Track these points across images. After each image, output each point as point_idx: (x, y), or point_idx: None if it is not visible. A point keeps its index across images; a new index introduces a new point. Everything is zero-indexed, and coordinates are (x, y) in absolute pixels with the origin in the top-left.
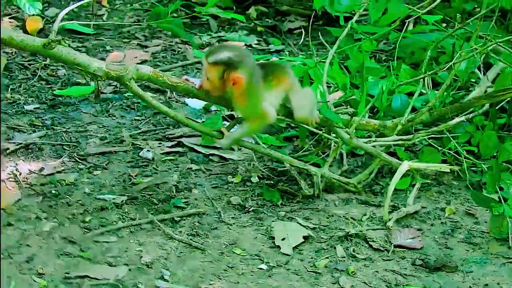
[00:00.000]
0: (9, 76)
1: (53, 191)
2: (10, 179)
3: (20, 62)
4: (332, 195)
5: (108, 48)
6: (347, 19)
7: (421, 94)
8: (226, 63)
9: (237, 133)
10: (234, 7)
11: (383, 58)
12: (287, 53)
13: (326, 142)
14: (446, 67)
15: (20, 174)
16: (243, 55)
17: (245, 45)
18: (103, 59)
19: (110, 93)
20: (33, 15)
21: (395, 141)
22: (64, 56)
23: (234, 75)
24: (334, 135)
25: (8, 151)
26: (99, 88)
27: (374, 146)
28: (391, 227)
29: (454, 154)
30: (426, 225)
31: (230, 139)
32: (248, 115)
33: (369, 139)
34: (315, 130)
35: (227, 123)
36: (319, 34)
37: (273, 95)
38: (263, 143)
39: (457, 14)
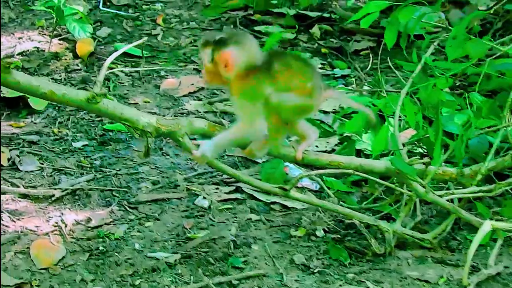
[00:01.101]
0: (57, 108)
1: (100, 247)
2: (55, 232)
3: None
4: (405, 252)
5: (162, 73)
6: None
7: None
8: (215, 42)
9: (217, 139)
10: (297, 26)
11: (457, 84)
12: (353, 78)
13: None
14: None
15: (65, 226)
16: (239, 34)
17: None
18: (157, 86)
19: None
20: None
21: (474, 192)
22: (110, 111)
23: (221, 52)
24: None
25: (53, 198)
26: (149, 146)
27: (452, 200)
28: None
29: None
30: None
31: (208, 149)
32: (240, 111)
33: (446, 191)
34: (384, 182)
35: (290, 166)
36: (389, 57)
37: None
38: (328, 188)
39: None
